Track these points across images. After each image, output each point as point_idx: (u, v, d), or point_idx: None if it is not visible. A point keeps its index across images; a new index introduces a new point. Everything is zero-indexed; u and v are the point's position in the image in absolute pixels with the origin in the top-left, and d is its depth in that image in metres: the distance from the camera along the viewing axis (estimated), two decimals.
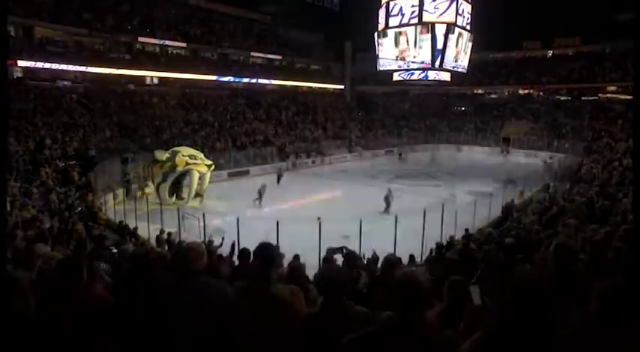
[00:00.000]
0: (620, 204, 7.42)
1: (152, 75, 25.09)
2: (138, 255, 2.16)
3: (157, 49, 26.04)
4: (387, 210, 13.19)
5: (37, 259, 3.27)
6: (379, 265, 6.04)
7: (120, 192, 14.45)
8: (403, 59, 17.65)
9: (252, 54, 30.77)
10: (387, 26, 17.99)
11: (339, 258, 5.19)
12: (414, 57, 17.28)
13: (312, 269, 4.23)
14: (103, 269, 3.69)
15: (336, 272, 1.78)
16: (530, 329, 1.20)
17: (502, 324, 1.26)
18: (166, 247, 8.03)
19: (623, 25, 23.07)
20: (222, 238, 8.66)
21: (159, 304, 1.62)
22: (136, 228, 9.36)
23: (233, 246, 6.80)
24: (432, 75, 18.32)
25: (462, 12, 16.98)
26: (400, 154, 25.93)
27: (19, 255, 3.64)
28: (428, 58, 16.96)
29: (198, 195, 14.53)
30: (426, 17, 16.70)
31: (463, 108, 34.62)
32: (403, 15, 17.26)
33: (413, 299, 1.25)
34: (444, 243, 7.98)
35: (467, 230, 9.22)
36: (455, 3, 16.47)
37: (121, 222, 9.92)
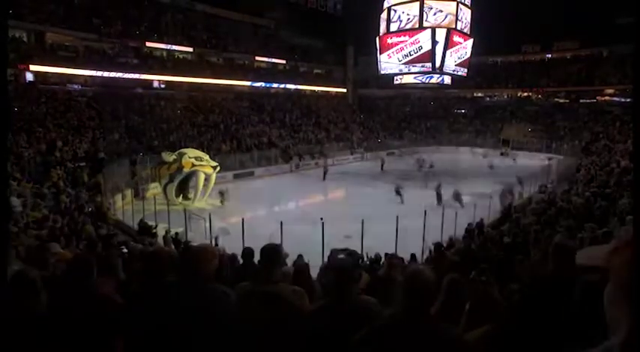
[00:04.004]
0: (618, 205, 7.62)
1: (159, 78, 25.52)
2: (150, 254, 2.18)
3: (164, 54, 26.55)
4: (439, 202, 13.53)
5: (50, 257, 3.37)
6: (381, 264, 6.31)
7: (128, 192, 14.82)
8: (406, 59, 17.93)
9: (257, 58, 31.23)
10: (388, 31, 18.34)
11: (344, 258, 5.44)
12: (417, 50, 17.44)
13: (315, 270, 4.47)
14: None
15: (344, 263, 1.90)
16: (538, 323, 1.24)
17: (511, 317, 1.35)
18: (173, 247, 8.28)
19: (621, 28, 23.26)
20: (216, 237, 8.97)
21: (163, 308, 1.63)
22: (151, 228, 9.65)
23: None
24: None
25: (462, 17, 17.28)
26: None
27: (33, 253, 3.75)
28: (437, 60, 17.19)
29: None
30: (426, 22, 17.03)
31: (463, 111, 34.91)
32: (404, 20, 17.59)
33: (419, 295, 1.28)
34: (445, 243, 8.22)
35: (469, 224, 9.47)
36: (455, 9, 16.78)
37: (142, 220, 10.18)
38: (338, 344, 1.50)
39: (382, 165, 22.13)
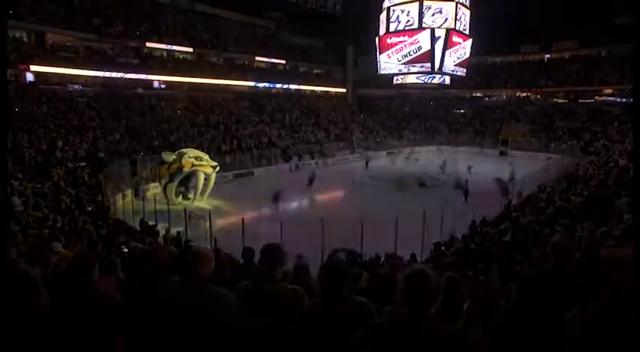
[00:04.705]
0: (617, 205, 7.66)
1: (160, 79, 25.56)
2: (150, 253, 2.20)
3: (165, 54, 26.63)
4: (466, 199, 14.40)
5: (51, 256, 3.36)
6: (381, 263, 6.35)
7: (128, 192, 14.87)
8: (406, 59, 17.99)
9: (257, 58, 31.35)
10: (387, 31, 18.39)
11: (343, 258, 5.48)
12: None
13: (315, 269, 4.51)
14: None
15: (339, 263, 1.87)
16: (538, 321, 1.27)
17: (511, 316, 1.37)
18: (173, 246, 8.30)
19: (619, 28, 23.37)
20: (215, 239, 8.94)
21: (162, 308, 1.65)
22: (152, 227, 9.67)
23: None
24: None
25: (461, 17, 17.32)
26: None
27: (34, 252, 3.74)
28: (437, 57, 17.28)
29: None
30: (425, 23, 17.08)
31: (462, 111, 35.03)
32: (403, 21, 17.63)
33: (420, 294, 1.29)
34: (444, 242, 8.27)
35: (474, 221, 9.52)
36: (454, 9, 16.83)
37: (142, 219, 10.22)
38: (333, 342, 1.51)
39: (367, 163, 22.79)
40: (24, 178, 11.21)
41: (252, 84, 29.93)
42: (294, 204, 15.46)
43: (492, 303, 1.92)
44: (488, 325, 1.39)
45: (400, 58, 18.32)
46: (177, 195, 14.33)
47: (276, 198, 13.53)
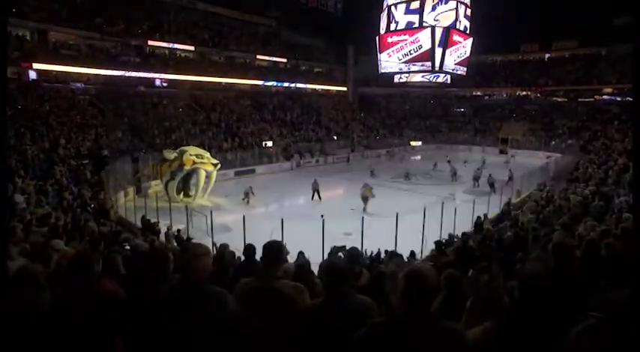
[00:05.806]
0: (616, 204, 7.70)
1: (161, 77, 25.64)
2: (151, 252, 2.23)
3: (166, 52, 26.73)
4: (494, 191, 15.40)
5: (53, 254, 3.40)
6: (381, 260, 6.43)
7: (130, 190, 14.95)
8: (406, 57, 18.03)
9: (258, 57, 31.42)
10: (388, 30, 18.40)
11: (342, 256, 5.58)
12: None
13: (315, 266, 4.61)
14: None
15: (338, 262, 1.85)
16: (540, 320, 1.25)
17: (514, 315, 1.33)
18: (175, 243, 8.38)
19: (619, 28, 23.42)
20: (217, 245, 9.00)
21: (162, 310, 1.64)
22: (154, 225, 9.75)
23: None
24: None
25: (462, 16, 17.32)
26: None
27: (36, 249, 3.77)
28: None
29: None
30: (426, 22, 17.09)
31: (462, 110, 35.06)
32: (404, 20, 17.65)
33: (420, 293, 1.28)
34: (444, 241, 8.33)
35: (479, 217, 9.59)
36: (455, 8, 16.86)
37: (144, 217, 10.26)
38: (334, 341, 1.51)
39: (348, 159, 24.59)
40: (26, 176, 11.30)
41: (253, 82, 29.99)
42: (294, 202, 15.55)
43: (495, 302, 1.92)
44: (491, 323, 1.37)
45: (401, 57, 18.30)
46: (177, 193, 14.41)
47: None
